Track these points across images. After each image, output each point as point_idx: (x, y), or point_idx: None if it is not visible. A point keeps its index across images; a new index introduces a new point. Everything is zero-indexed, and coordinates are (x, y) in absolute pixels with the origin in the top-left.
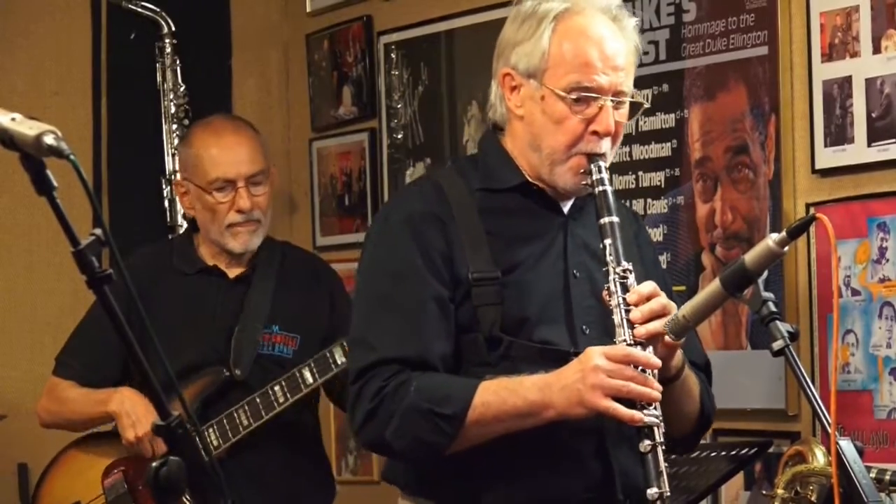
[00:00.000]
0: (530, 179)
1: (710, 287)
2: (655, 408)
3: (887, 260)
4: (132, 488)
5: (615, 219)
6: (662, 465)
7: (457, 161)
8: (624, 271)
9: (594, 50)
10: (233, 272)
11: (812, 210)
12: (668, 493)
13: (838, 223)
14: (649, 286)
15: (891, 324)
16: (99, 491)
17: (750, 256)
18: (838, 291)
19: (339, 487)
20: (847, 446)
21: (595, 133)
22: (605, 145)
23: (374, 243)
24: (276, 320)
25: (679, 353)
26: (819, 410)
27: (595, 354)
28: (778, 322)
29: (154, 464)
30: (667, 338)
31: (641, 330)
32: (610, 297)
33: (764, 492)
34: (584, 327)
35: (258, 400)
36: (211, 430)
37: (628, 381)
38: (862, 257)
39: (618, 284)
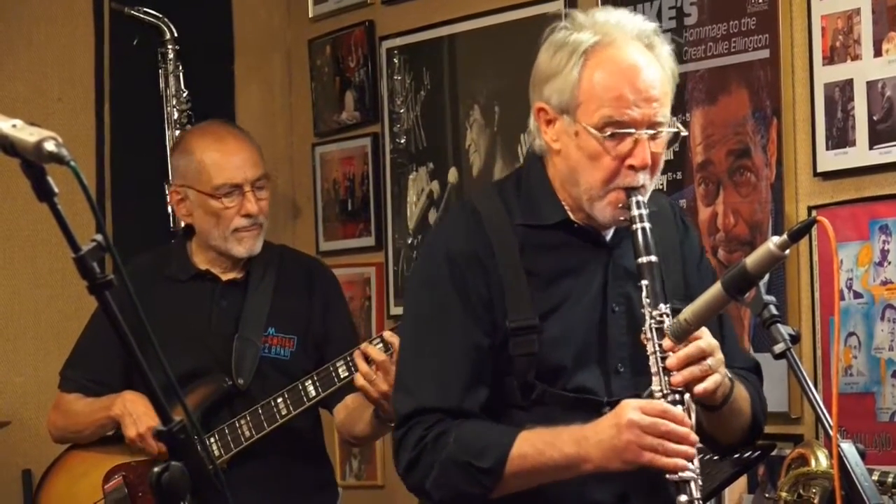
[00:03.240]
0: (571, 216)
1: (712, 290)
2: (692, 461)
3: (889, 262)
4: (133, 493)
5: (653, 258)
6: None
7: (500, 185)
8: (661, 315)
9: (626, 83)
10: (226, 276)
11: (814, 213)
12: None
13: (840, 226)
14: (694, 348)
15: (893, 326)
16: (100, 495)
17: (751, 259)
18: (840, 294)
19: (344, 492)
20: (849, 449)
21: (631, 167)
22: (642, 178)
23: (418, 283)
24: (273, 322)
25: (725, 382)
26: (821, 413)
27: (629, 409)
28: (779, 325)
29: (156, 469)
30: (699, 387)
31: (678, 377)
32: (647, 342)
33: (767, 495)
34: (618, 366)
35: (260, 411)
36: (212, 439)
37: (663, 439)
38: (864, 260)
39: (654, 330)
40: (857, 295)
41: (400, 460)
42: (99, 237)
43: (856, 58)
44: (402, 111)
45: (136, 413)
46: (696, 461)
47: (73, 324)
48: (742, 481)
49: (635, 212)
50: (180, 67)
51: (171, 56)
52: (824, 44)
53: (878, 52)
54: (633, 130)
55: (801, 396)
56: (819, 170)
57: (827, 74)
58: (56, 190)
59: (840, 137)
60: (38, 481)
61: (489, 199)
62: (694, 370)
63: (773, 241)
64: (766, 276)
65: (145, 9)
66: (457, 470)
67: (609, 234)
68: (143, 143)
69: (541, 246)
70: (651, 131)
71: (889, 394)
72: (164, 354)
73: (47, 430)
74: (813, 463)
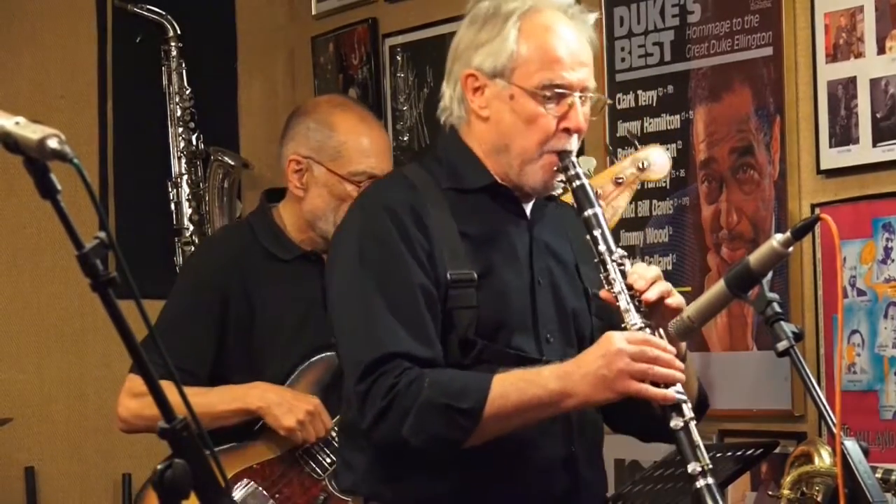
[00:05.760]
0: (499, 180)
1: (715, 288)
2: (678, 386)
3: (892, 260)
4: (271, 494)
5: (598, 210)
6: (697, 438)
7: (421, 161)
8: (621, 258)
9: (562, 47)
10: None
11: (817, 211)
12: (710, 466)
13: (843, 224)
14: (653, 270)
15: None
16: None
17: (755, 257)
18: (843, 292)
19: None
20: (852, 446)
21: (566, 130)
22: (573, 142)
23: (357, 233)
24: None
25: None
26: (824, 411)
27: (617, 339)
28: (783, 323)
29: (159, 466)
30: (672, 300)
31: (652, 292)
32: (610, 284)
33: (770, 492)
34: (548, 336)
35: None
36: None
37: (652, 364)
38: (867, 258)
39: (617, 271)
40: (861, 293)
41: (366, 411)
42: (102, 234)
43: (859, 55)
44: (405, 108)
45: (287, 403)
46: (681, 385)
47: (75, 321)
48: (745, 479)
49: (573, 171)
50: (183, 65)
51: (174, 53)
52: (827, 41)
53: (881, 50)
54: (569, 93)
55: (805, 394)
56: (822, 167)
57: (830, 72)
58: (59, 187)
59: (843, 135)
60: (41, 480)
61: (414, 169)
62: (662, 285)
63: (777, 239)
64: (770, 274)
65: (148, 6)
66: (435, 413)
67: (528, 210)
68: (146, 141)
69: (469, 210)
70: (583, 95)
71: (892, 391)
72: (279, 341)
73: (119, 417)
74: (816, 461)
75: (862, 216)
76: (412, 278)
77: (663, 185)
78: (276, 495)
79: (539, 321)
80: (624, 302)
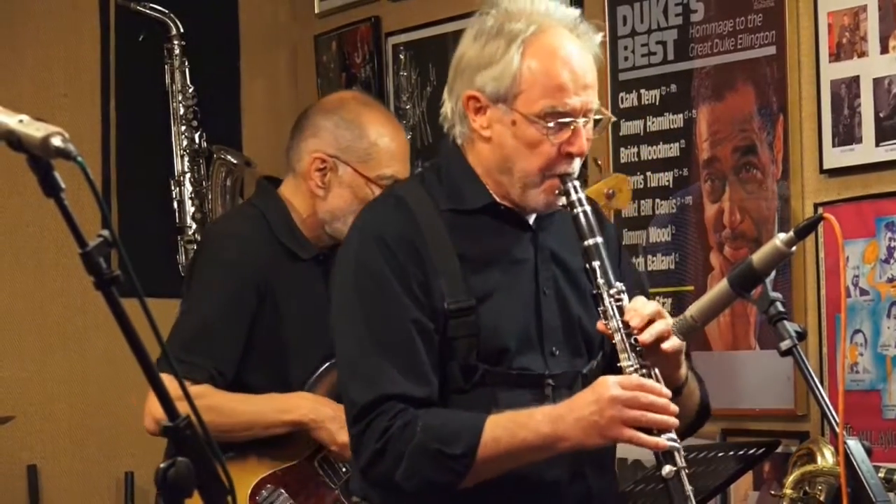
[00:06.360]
0: (497, 199)
1: (718, 287)
2: (671, 432)
3: (895, 260)
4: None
5: (599, 240)
6: (688, 488)
7: (422, 175)
8: (618, 293)
9: (566, 72)
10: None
11: (820, 210)
12: None
13: (846, 223)
14: (651, 307)
15: None
16: None
17: (758, 256)
18: (846, 291)
19: None
20: (855, 446)
21: (568, 154)
22: (576, 165)
23: (352, 271)
24: None
25: (683, 360)
26: (827, 410)
27: (610, 385)
28: (786, 322)
29: (162, 465)
30: (667, 344)
31: (646, 335)
32: (607, 320)
33: (773, 492)
34: (553, 349)
35: None
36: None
37: (645, 411)
38: (870, 257)
39: (614, 308)
40: (864, 292)
41: (362, 453)
42: (105, 233)
43: (862, 54)
44: (407, 107)
45: (339, 417)
46: (674, 430)
47: (78, 319)
48: (747, 478)
49: (574, 196)
50: (186, 63)
51: (176, 52)
52: (831, 40)
53: (884, 49)
54: (572, 119)
55: (807, 393)
56: (825, 167)
57: (833, 71)
58: (63, 185)
59: (846, 134)
60: (43, 478)
61: (413, 188)
62: (659, 325)
63: (780, 238)
64: (773, 273)
65: (151, 4)
66: (427, 459)
67: (532, 219)
68: (149, 139)
69: (469, 231)
70: (586, 119)
71: (895, 391)
72: (300, 344)
73: (155, 418)
74: (819, 460)
75: (865, 216)
76: (406, 314)
77: (666, 184)
78: (300, 499)
79: (544, 334)
80: (619, 341)
